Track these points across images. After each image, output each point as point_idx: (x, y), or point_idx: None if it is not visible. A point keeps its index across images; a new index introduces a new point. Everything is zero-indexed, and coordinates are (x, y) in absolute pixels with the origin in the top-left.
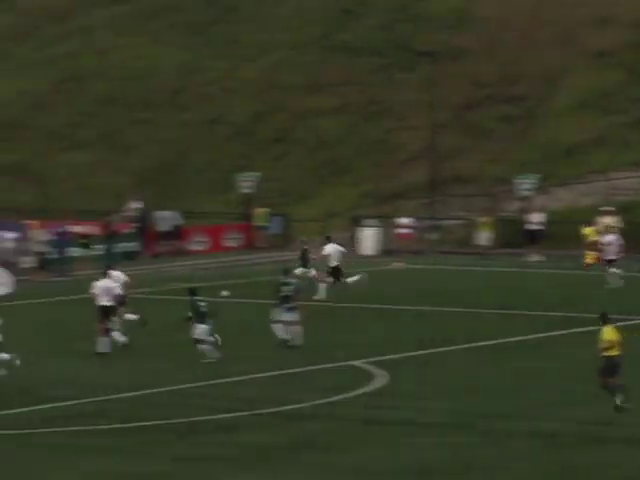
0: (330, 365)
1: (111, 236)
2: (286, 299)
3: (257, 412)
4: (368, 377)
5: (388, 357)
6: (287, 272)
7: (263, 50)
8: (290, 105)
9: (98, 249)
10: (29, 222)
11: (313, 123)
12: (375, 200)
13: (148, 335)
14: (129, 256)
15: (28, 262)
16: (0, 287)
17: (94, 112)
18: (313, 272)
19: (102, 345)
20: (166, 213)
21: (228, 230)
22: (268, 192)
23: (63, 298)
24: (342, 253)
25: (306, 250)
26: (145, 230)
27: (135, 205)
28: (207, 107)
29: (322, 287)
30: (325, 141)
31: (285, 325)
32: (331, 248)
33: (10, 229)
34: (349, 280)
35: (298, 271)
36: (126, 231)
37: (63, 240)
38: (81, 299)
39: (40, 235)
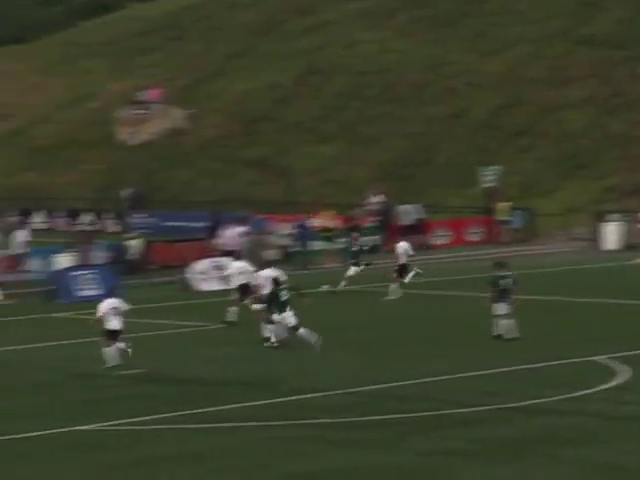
0: (567, 360)
1: (353, 229)
2: (505, 292)
3: (499, 406)
4: (609, 373)
5: (631, 353)
6: (502, 266)
7: (508, 43)
8: (534, 98)
9: (340, 242)
10: (271, 215)
11: (557, 116)
12: (618, 194)
13: (391, 326)
14: (371, 250)
15: (271, 255)
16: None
17: (338, 105)
18: None
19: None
20: (408, 207)
21: (470, 224)
22: (510, 186)
23: (304, 291)
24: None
25: None
26: (387, 224)
27: (377, 198)
28: (451, 101)
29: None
30: (568, 134)
31: (502, 318)
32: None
33: (247, 223)
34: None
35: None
36: (368, 224)
37: (306, 233)
38: (318, 293)
39: (283, 228)
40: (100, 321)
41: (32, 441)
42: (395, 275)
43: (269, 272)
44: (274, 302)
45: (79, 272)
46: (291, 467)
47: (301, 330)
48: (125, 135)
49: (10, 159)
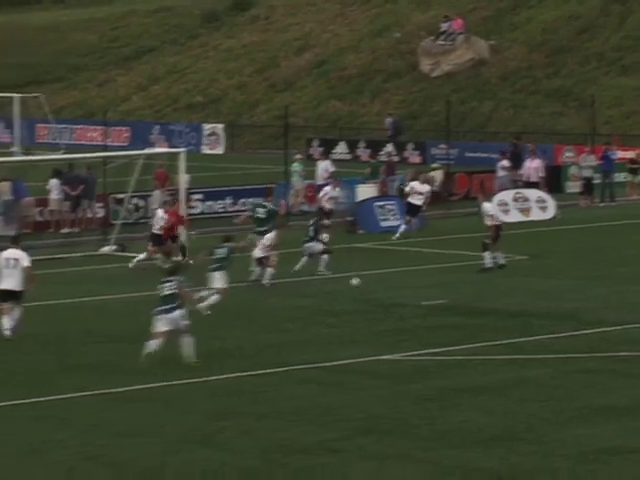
0: None
1: None
2: None
3: None
4: None
5: None
6: None
7: None
8: None
9: None
10: (574, 147)
11: None
12: None
13: None
14: None
15: (574, 187)
16: (543, 211)
17: None
18: None
19: None
20: None
21: None
22: None
23: (606, 224)
24: None
25: None
26: None
27: None
28: None
29: None
30: None
31: None
32: None
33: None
34: None
35: None
36: None
37: (609, 165)
38: (623, 225)
39: (586, 160)
40: None
41: (350, 367)
42: None
43: None
44: None
45: (381, 203)
46: (591, 400)
47: None
48: (428, 66)
49: (316, 89)
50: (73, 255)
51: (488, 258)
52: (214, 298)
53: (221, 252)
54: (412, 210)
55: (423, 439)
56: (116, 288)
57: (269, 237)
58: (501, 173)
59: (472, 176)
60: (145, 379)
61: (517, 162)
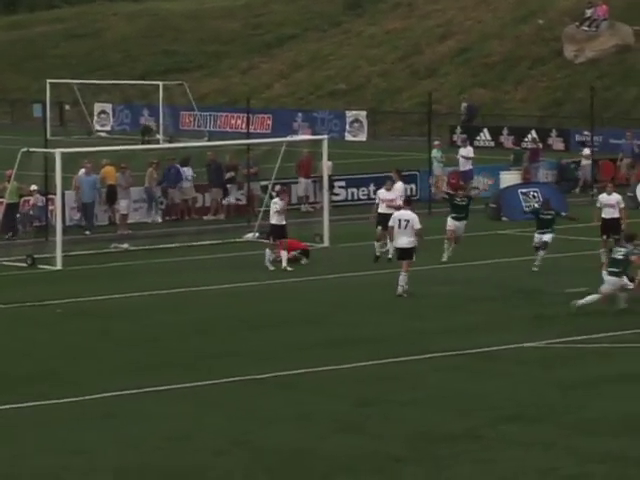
0: None
1: None
2: None
3: None
4: None
5: None
6: None
7: None
8: None
9: None
10: None
11: None
12: None
13: None
14: None
15: None
16: None
17: None
18: None
19: None
20: None
21: None
22: None
23: None
24: None
25: None
26: None
27: None
28: None
29: None
30: None
31: None
32: None
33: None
34: None
35: None
36: None
37: None
38: None
39: None
40: None
41: (493, 355)
42: None
43: None
44: None
45: (525, 190)
46: None
47: None
48: (572, 53)
49: (460, 76)
50: (219, 242)
51: None
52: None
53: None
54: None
55: (568, 427)
56: (265, 274)
57: None
58: None
59: (616, 163)
60: (292, 365)
61: None
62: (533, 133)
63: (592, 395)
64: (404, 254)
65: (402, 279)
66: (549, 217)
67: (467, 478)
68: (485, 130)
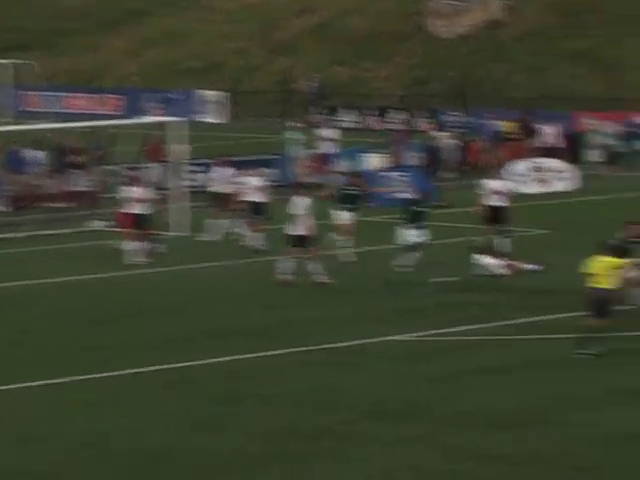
0: None
1: None
2: None
3: None
4: None
5: None
6: None
7: None
8: None
9: None
10: (593, 113)
11: None
12: None
13: None
14: None
15: (595, 156)
16: (564, 182)
17: None
18: None
19: None
20: None
21: None
22: None
23: (631, 195)
24: None
25: None
26: None
27: None
28: None
29: None
30: None
31: None
32: None
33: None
34: None
35: None
36: None
37: (632, 133)
38: None
39: (607, 127)
40: None
41: (348, 350)
42: None
43: None
44: None
45: (389, 173)
46: (617, 381)
47: None
48: (439, 28)
49: (318, 53)
50: (66, 231)
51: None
52: None
53: None
54: None
55: (435, 422)
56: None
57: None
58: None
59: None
60: (148, 361)
61: (530, 130)
62: (399, 113)
63: (459, 390)
64: (298, 242)
65: (312, 267)
66: (421, 210)
67: (330, 476)
68: (348, 110)
